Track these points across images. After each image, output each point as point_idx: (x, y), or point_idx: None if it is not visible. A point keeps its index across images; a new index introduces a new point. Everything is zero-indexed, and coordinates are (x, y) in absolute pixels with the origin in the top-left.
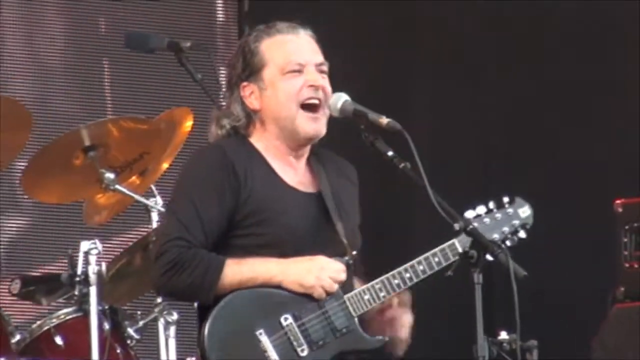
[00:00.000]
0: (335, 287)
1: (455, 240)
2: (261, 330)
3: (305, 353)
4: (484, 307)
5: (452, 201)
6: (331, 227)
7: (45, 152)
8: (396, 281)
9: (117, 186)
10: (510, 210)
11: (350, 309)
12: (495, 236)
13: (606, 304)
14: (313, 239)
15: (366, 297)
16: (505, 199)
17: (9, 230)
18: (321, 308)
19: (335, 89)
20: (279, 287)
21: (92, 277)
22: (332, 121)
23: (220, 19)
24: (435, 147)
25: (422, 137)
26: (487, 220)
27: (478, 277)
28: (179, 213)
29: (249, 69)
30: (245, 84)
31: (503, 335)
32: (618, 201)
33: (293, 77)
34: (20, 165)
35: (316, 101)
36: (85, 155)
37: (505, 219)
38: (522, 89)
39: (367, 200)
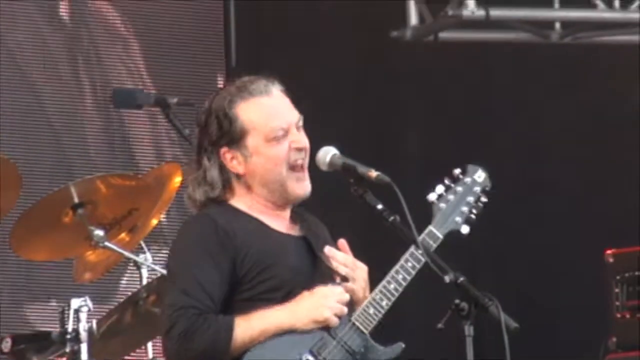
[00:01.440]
0: (345, 309)
1: (430, 227)
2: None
3: None
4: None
5: None
6: (321, 263)
7: (34, 211)
8: (392, 285)
9: (107, 243)
10: (467, 179)
11: (361, 328)
12: (464, 209)
13: (598, 354)
14: (311, 276)
15: (371, 311)
16: (457, 171)
17: None
18: (334, 337)
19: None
20: (291, 331)
21: (83, 335)
22: None
23: (207, 73)
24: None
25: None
26: (450, 197)
27: (469, 330)
28: (178, 283)
29: (228, 136)
30: (224, 149)
31: None
32: (609, 251)
33: (278, 143)
34: (9, 223)
35: (302, 162)
36: (74, 212)
37: (466, 190)
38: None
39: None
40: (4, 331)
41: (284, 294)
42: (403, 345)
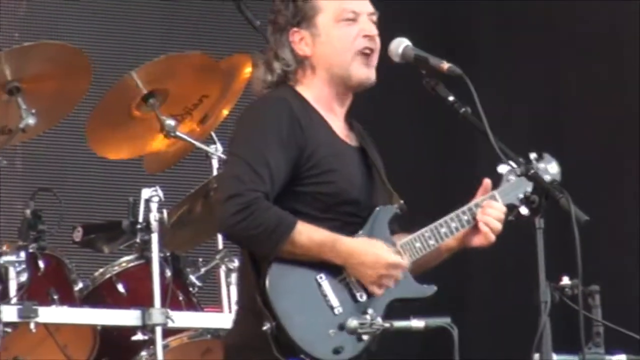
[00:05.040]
0: (392, 283)
1: (495, 192)
2: (322, 275)
3: (364, 298)
4: (549, 253)
5: None
6: (377, 178)
7: (106, 104)
8: (443, 230)
9: (178, 132)
10: (541, 165)
11: (404, 256)
12: (529, 189)
13: None
14: (366, 190)
15: (417, 244)
16: (533, 155)
17: (70, 179)
18: None
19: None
20: None
21: (154, 225)
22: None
23: None
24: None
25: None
26: (520, 174)
27: (539, 222)
28: (246, 156)
29: (300, 14)
30: (295, 29)
31: (565, 280)
32: None
33: (348, 25)
34: (81, 115)
35: (370, 51)
36: (145, 103)
37: (519, 183)
38: None
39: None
40: (75, 220)
41: (337, 202)
42: (435, 288)
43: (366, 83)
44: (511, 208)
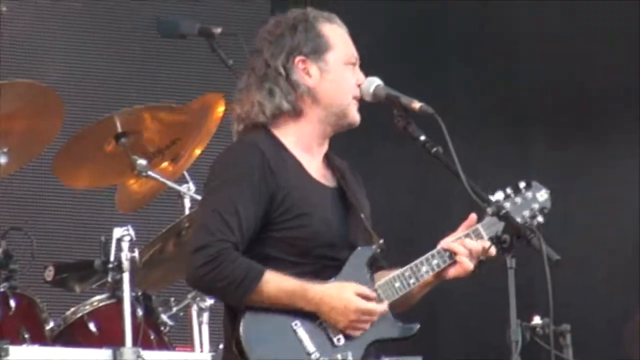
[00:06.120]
0: (367, 328)
1: (478, 226)
2: (297, 321)
3: (341, 342)
4: (521, 292)
5: None
6: (356, 218)
7: (78, 139)
8: (424, 268)
9: (150, 172)
10: (528, 194)
11: (383, 296)
12: (518, 219)
13: None
14: (344, 231)
15: (397, 284)
16: (522, 184)
17: (42, 218)
18: None
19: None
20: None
21: (125, 264)
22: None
23: (253, 6)
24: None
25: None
26: (507, 205)
27: (511, 262)
28: (217, 206)
29: (311, 45)
30: (302, 57)
31: (536, 319)
32: None
33: (351, 70)
34: (54, 153)
35: (359, 98)
36: (117, 142)
37: (525, 203)
38: None
39: (403, 191)
40: (47, 259)
41: (312, 245)
42: (418, 326)
43: (354, 126)
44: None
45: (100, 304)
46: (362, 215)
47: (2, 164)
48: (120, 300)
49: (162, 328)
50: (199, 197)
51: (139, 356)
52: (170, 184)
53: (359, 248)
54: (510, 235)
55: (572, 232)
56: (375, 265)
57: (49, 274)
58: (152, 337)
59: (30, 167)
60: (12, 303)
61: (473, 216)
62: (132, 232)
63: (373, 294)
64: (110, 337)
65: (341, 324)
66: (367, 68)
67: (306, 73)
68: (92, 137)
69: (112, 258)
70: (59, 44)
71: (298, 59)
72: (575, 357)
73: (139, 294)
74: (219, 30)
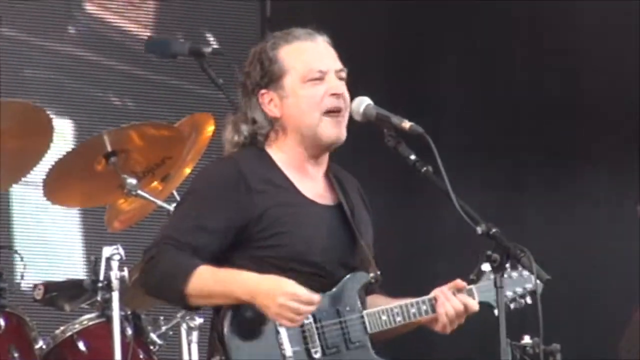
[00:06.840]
0: (299, 319)
1: (472, 286)
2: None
3: (318, 355)
4: (512, 311)
5: None
6: (353, 240)
7: (67, 159)
8: (413, 310)
9: (139, 191)
10: (525, 273)
11: (367, 325)
12: (508, 293)
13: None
14: (334, 252)
15: (384, 317)
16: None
17: (32, 237)
18: (340, 317)
19: (354, 89)
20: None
21: (115, 283)
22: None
23: (242, 24)
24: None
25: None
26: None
27: (500, 281)
28: (178, 215)
29: (267, 76)
30: (264, 91)
31: (526, 339)
32: None
33: (314, 85)
34: (43, 172)
35: (337, 109)
36: (106, 160)
37: (519, 281)
38: None
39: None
40: (36, 278)
41: (295, 266)
42: None
43: (337, 142)
44: (487, 306)
45: (90, 323)
46: (363, 243)
47: None
48: (109, 319)
49: (151, 347)
50: None
51: None
52: (159, 202)
53: (357, 273)
54: (500, 254)
55: (562, 251)
56: (369, 289)
57: (39, 292)
58: (141, 356)
59: (20, 186)
60: (2, 322)
61: (462, 284)
62: (121, 251)
63: (316, 297)
64: (100, 356)
65: (272, 308)
66: (369, 83)
67: (271, 104)
68: (82, 156)
69: (101, 277)
70: (47, 64)
71: (260, 93)
72: None
73: (129, 313)
74: (209, 49)
